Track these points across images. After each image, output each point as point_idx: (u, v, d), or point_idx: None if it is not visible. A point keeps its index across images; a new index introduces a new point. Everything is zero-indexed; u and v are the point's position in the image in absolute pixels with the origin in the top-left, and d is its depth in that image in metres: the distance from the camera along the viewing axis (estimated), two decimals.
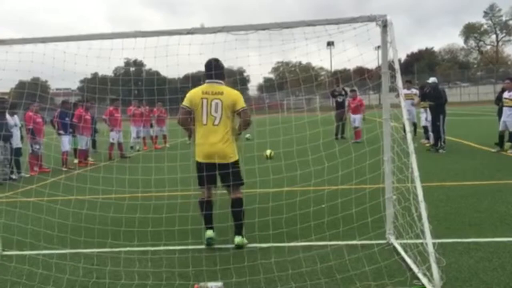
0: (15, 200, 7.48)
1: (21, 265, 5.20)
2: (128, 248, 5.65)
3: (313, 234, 5.60)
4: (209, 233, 5.83)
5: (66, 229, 6.19)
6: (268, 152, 12.59)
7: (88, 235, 5.94)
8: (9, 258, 5.52)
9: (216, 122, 5.66)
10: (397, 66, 4.83)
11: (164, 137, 20.66)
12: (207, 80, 5.86)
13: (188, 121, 5.89)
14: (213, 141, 5.65)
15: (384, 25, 5.06)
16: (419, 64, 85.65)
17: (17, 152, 12.80)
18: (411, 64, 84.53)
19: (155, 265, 5.11)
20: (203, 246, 5.66)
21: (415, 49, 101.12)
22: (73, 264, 5.18)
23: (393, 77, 5.07)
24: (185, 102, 5.86)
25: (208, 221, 5.84)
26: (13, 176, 12.36)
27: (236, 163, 5.79)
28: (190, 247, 5.62)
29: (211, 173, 5.67)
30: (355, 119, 17.89)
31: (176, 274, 4.82)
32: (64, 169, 13.52)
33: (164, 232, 5.95)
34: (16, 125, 12.87)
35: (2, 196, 8.47)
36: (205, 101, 5.70)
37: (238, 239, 5.71)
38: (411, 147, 4.58)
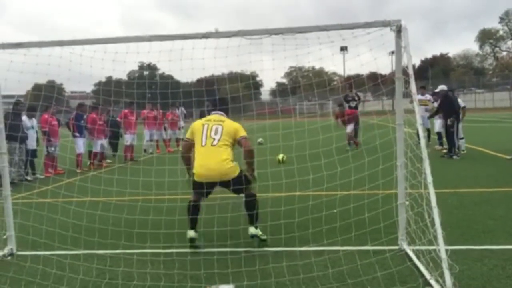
0: (30, 201, 7.57)
1: (35, 265, 5.26)
2: (140, 250, 5.69)
3: (325, 239, 5.59)
4: (191, 233, 5.82)
5: (80, 230, 6.28)
6: (280, 156, 12.62)
7: (102, 236, 6.01)
8: (23, 258, 5.59)
9: (215, 143, 5.75)
10: (411, 71, 4.82)
11: (177, 140, 20.77)
12: (212, 112, 6.16)
13: (188, 152, 6.05)
14: (212, 161, 5.68)
15: (399, 30, 5.05)
16: (434, 70, 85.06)
17: (33, 153, 12.96)
18: (426, 69, 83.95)
19: (167, 267, 5.14)
20: (215, 249, 5.67)
21: (430, 54, 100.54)
22: (87, 264, 5.23)
23: (407, 82, 5.06)
24: (187, 135, 6.10)
25: (193, 224, 5.85)
26: (28, 177, 12.53)
27: (238, 175, 5.77)
28: (202, 250, 5.65)
29: (209, 190, 5.80)
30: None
31: (188, 277, 4.85)
32: (78, 171, 13.69)
33: (176, 234, 5.99)
34: (33, 127, 13.03)
35: (17, 197, 8.56)
36: (206, 126, 5.91)
37: (252, 229, 5.73)
38: (424, 153, 4.57)
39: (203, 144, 5.78)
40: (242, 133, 5.89)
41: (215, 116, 6.10)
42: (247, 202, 5.76)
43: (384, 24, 5.08)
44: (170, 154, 17.91)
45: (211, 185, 5.76)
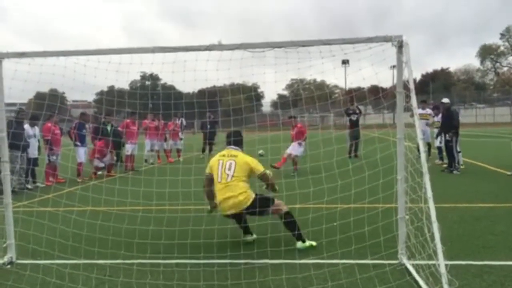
0: (31, 210, 7.58)
1: (35, 274, 5.26)
2: (140, 260, 5.69)
3: (325, 251, 5.60)
4: (248, 237, 6.49)
5: (80, 239, 6.29)
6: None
7: (102, 246, 6.02)
8: (23, 267, 5.59)
9: (229, 179, 6.10)
10: (412, 86, 4.85)
11: (178, 151, 20.79)
12: (226, 146, 6.50)
13: (209, 186, 6.43)
14: (228, 195, 6.05)
15: (400, 46, 5.10)
16: (434, 84, 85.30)
17: (34, 162, 12.98)
18: (427, 83, 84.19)
19: (166, 277, 5.13)
20: (215, 261, 5.66)
21: (431, 68, 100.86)
22: (86, 274, 5.23)
23: (408, 96, 5.10)
24: (207, 170, 6.47)
25: (246, 231, 6.50)
26: (29, 186, 12.52)
27: (253, 201, 6.03)
28: (202, 261, 5.64)
29: (239, 219, 6.29)
30: (295, 145, 14.24)
31: (187, 287, 4.85)
32: (79, 180, 13.69)
33: (176, 245, 5.99)
34: (34, 136, 13.05)
35: (18, 205, 8.57)
36: (221, 162, 6.28)
37: (299, 244, 6.10)
38: (425, 167, 4.59)
39: (219, 180, 6.18)
40: (259, 168, 6.32)
41: (229, 150, 6.46)
42: (286, 224, 6.11)
43: (386, 39, 5.14)
44: (171, 165, 17.92)
45: (237, 215, 6.17)
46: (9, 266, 5.73)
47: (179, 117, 20.82)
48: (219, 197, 6.17)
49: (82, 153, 14.43)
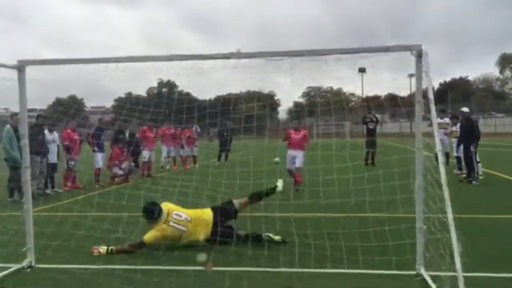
0: (50, 214, 7.69)
1: (54, 278, 5.31)
2: (158, 266, 5.73)
3: (346, 260, 5.57)
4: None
5: (98, 244, 6.33)
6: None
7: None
8: (42, 271, 5.68)
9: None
10: (431, 96, 4.81)
11: (194, 158, 20.87)
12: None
13: None
14: None
15: (419, 55, 5.07)
16: (453, 93, 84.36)
17: (53, 167, 13.14)
18: (445, 92, 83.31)
19: (183, 283, 5.14)
20: (232, 268, 5.62)
21: (450, 77, 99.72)
22: (105, 282, 5.24)
23: (426, 106, 5.06)
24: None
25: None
26: (47, 191, 12.66)
27: None
28: (221, 268, 5.61)
29: None
30: (296, 157, 12.51)
31: None
32: (96, 186, 13.82)
33: (191, 251, 6.00)
34: (54, 141, 13.19)
35: (37, 210, 8.70)
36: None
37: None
38: (443, 177, 4.53)
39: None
40: None
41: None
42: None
43: (405, 48, 5.11)
44: (186, 171, 18.02)
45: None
46: (28, 270, 5.80)
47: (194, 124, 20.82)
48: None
49: (100, 159, 14.55)
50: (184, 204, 7.08)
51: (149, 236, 6.41)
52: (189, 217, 6.63)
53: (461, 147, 14.74)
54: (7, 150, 10.99)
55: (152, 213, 6.51)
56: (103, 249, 6.28)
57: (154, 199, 6.94)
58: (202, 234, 6.60)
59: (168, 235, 6.52)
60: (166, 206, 6.73)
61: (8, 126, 11.34)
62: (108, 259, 6.04)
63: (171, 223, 6.52)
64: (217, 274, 5.35)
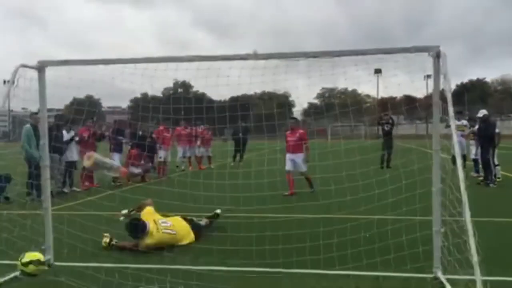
0: (69, 213, 7.81)
1: (72, 276, 5.36)
2: (174, 266, 5.77)
3: (352, 262, 5.56)
4: None
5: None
6: None
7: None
8: (60, 269, 5.76)
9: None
10: (450, 98, 4.76)
11: (209, 158, 20.94)
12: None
13: None
14: None
15: (437, 56, 5.03)
16: (470, 95, 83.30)
17: (72, 165, 13.30)
18: (462, 94, 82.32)
19: (199, 281, 5.16)
20: (245, 268, 5.66)
21: (467, 78, 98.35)
22: (121, 281, 5.29)
23: (443, 107, 5.03)
24: None
25: None
26: (65, 190, 12.82)
27: None
28: (230, 268, 5.66)
29: None
30: (295, 160, 11.76)
31: None
32: (113, 183, 13.93)
33: (215, 251, 6.04)
34: (73, 139, 13.32)
35: (55, 208, 8.83)
36: None
37: None
38: (462, 180, 4.48)
39: None
40: None
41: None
42: None
43: (422, 49, 5.08)
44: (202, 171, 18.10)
45: None
46: (47, 268, 5.88)
47: (198, 124, 20.56)
48: None
49: (116, 159, 14.61)
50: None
51: (146, 246, 6.49)
52: (170, 223, 6.92)
53: (479, 149, 14.59)
54: (25, 148, 11.15)
55: (137, 230, 6.59)
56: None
57: (136, 216, 7.07)
58: (187, 238, 6.88)
59: (164, 242, 6.63)
60: (149, 217, 6.85)
61: (27, 125, 11.52)
62: (124, 258, 6.09)
63: (164, 231, 6.70)
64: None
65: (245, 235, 6.30)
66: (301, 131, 12.16)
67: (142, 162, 15.25)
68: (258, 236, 6.35)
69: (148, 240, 6.51)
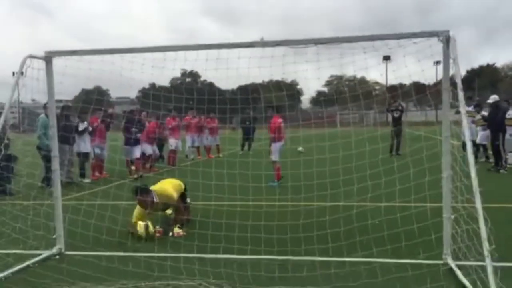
0: (79, 203, 7.85)
1: (82, 265, 5.44)
2: (186, 254, 5.80)
3: (362, 250, 5.58)
4: None
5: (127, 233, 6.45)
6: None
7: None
8: (71, 258, 5.84)
9: None
10: (459, 83, 4.71)
11: (217, 147, 20.97)
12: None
13: None
14: None
15: (447, 41, 4.97)
16: (481, 80, 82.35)
17: (85, 156, 13.35)
18: (472, 79, 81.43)
19: (213, 268, 5.21)
20: (262, 256, 5.70)
21: (477, 63, 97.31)
22: (133, 270, 5.33)
23: (454, 93, 4.97)
24: None
25: None
26: (85, 180, 12.86)
27: None
28: (248, 256, 5.68)
29: None
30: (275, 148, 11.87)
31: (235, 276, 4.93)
32: (130, 177, 13.66)
33: (224, 238, 6.06)
34: (86, 130, 13.34)
35: (65, 198, 8.90)
36: None
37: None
38: (472, 167, 4.44)
39: None
40: None
41: None
42: None
43: (432, 34, 5.03)
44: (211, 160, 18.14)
45: None
46: (58, 257, 5.95)
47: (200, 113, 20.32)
48: None
49: (131, 151, 14.26)
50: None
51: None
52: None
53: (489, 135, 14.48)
54: (41, 138, 11.20)
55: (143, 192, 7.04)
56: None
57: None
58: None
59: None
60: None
61: (43, 115, 11.58)
62: (135, 246, 6.14)
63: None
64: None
65: (253, 223, 6.31)
66: (275, 119, 11.93)
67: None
68: (265, 225, 6.36)
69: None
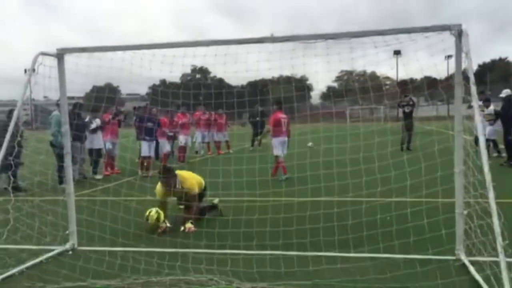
0: (91, 199, 7.94)
1: (96, 260, 5.47)
2: (196, 250, 5.83)
3: (375, 244, 5.55)
4: None
5: (142, 227, 6.48)
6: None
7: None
8: (84, 253, 5.87)
9: None
10: (472, 77, 4.66)
11: (227, 142, 20.99)
12: None
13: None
14: None
15: (459, 35, 4.91)
16: (493, 74, 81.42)
17: (98, 153, 13.43)
18: (484, 74, 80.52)
19: (220, 265, 5.24)
20: (268, 251, 5.68)
21: (489, 57, 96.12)
22: (147, 260, 5.37)
23: (465, 86, 4.93)
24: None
25: None
26: (97, 177, 12.97)
27: None
28: (255, 251, 5.70)
29: None
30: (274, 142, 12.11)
31: (241, 274, 4.93)
32: (143, 174, 13.55)
33: (229, 234, 6.09)
34: (98, 127, 13.43)
35: (78, 194, 8.97)
36: None
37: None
38: (485, 160, 4.40)
39: None
40: None
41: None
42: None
43: (444, 28, 4.97)
44: (221, 156, 18.18)
45: None
46: (71, 253, 6.01)
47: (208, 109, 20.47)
48: None
49: (145, 148, 14.14)
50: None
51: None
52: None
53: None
54: (55, 136, 11.23)
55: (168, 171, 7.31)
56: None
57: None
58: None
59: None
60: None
61: (56, 112, 11.62)
62: (148, 241, 6.18)
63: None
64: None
65: (259, 217, 6.34)
66: (274, 115, 12.17)
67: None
68: (272, 218, 6.38)
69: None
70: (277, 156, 11.90)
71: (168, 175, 7.17)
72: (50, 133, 11.68)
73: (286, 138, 12.04)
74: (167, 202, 7.32)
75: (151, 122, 13.84)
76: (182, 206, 7.60)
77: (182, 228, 6.91)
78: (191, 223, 6.98)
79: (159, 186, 7.31)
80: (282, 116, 12.04)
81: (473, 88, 4.64)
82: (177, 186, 7.18)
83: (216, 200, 7.94)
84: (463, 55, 4.87)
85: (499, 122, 14.57)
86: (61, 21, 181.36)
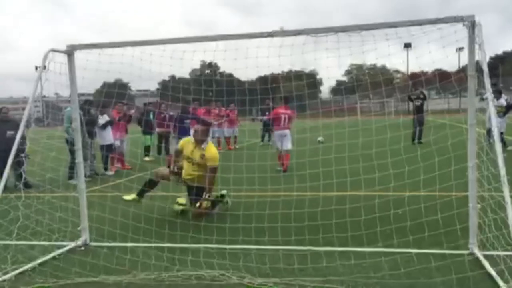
0: (102, 195, 7.97)
1: (108, 256, 5.52)
2: (207, 245, 5.83)
3: (389, 239, 5.50)
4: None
5: (151, 222, 6.51)
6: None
7: (172, 228, 6.21)
8: (96, 249, 5.92)
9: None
10: (486, 69, 4.58)
11: (235, 138, 21.00)
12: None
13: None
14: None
15: (472, 26, 4.83)
16: (505, 67, 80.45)
17: (109, 148, 13.50)
18: (496, 66, 79.61)
19: (232, 259, 5.24)
20: (280, 246, 5.66)
21: (501, 49, 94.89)
22: (158, 254, 5.38)
23: (478, 79, 4.86)
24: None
25: None
26: (108, 173, 13.00)
27: None
28: (267, 246, 5.70)
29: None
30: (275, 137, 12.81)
31: (254, 270, 4.93)
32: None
33: (241, 229, 6.08)
34: (108, 124, 13.47)
35: (89, 190, 9.02)
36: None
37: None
38: (499, 153, 4.33)
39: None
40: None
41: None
42: None
43: (456, 19, 4.89)
44: (233, 151, 18.19)
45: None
46: (83, 248, 6.04)
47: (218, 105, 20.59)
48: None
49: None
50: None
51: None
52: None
53: None
54: (69, 132, 11.26)
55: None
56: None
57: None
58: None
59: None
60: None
61: (69, 108, 11.64)
62: (159, 237, 6.18)
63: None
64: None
65: (271, 212, 6.34)
66: (275, 110, 12.71)
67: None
68: (282, 213, 6.35)
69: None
70: (278, 150, 12.12)
71: (206, 126, 7.45)
72: (64, 129, 11.74)
73: (285, 131, 12.18)
74: (179, 162, 7.55)
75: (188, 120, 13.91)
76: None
77: (198, 204, 7.12)
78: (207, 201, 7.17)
79: (187, 140, 7.61)
80: (282, 111, 12.28)
81: (487, 81, 4.57)
82: (203, 146, 7.39)
83: (224, 191, 7.89)
84: (476, 46, 4.79)
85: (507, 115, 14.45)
86: (71, 19, 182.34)
